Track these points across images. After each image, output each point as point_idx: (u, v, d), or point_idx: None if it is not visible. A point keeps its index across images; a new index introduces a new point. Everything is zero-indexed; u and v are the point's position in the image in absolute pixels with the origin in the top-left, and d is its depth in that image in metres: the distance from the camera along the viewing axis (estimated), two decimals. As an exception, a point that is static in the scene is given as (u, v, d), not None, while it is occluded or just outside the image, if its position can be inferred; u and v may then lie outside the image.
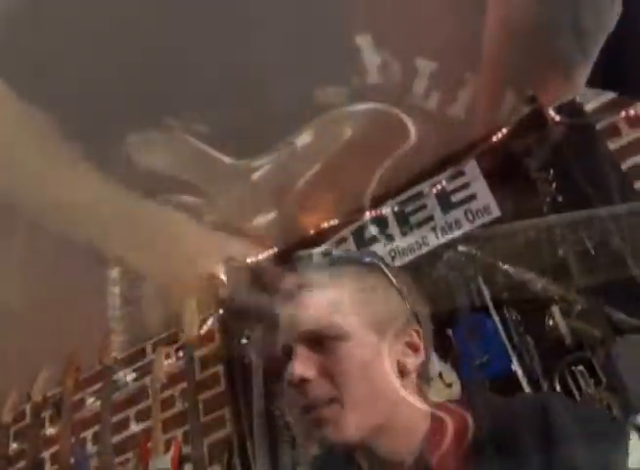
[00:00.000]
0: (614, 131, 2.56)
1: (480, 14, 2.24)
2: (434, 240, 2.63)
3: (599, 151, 2.43)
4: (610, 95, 2.61)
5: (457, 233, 2.60)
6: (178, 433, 2.89)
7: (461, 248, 2.32)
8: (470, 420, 0.90)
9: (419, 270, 2.51)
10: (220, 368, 2.94)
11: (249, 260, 2.86)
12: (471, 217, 2.61)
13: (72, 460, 2.84)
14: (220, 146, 2.36)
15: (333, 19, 2.14)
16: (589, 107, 2.64)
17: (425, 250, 2.63)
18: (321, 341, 0.93)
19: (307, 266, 1.01)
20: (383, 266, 1.01)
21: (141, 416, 3.07)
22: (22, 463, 3.07)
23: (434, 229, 2.66)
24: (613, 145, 2.53)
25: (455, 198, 2.67)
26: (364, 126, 2.48)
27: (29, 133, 2.29)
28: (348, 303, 0.96)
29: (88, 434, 3.13)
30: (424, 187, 2.73)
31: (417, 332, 0.99)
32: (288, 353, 0.95)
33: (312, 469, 1.12)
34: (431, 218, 2.68)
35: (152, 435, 2.83)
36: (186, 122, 2.27)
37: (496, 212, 2.56)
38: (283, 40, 2.12)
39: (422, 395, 0.98)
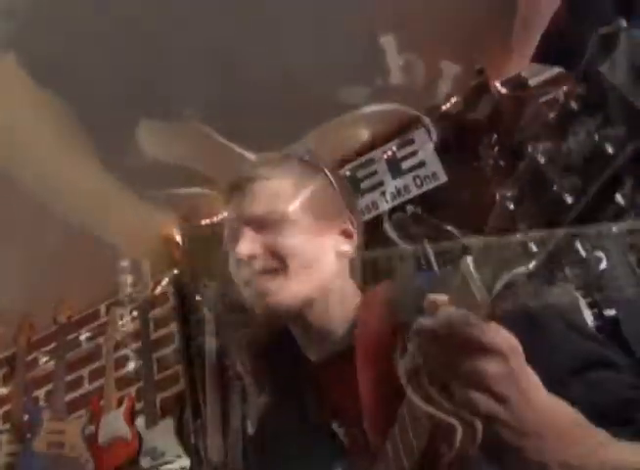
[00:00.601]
0: (555, 104, 2.69)
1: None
2: (384, 205, 2.74)
3: (540, 119, 2.55)
4: (553, 71, 2.75)
5: (405, 198, 2.71)
6: (132, 390, 2.94)
7: (409, 208, 2.43)
8: (392, 295, 1.01)
9: (368, 233, 2.62)
10: (174, 327, 2.99)
11: (203, 222, 2.92)
12: (419, 183, 2.72)
13: (26, 417, 2.88)
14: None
15: None
16: (533, 81, 2.77)
17: (374, 214, 2.73)
18: (265, 224, 1.04)
19: (256, 165, 1.11)
20: (322, 165, 1.12)
21: (95, 376, 3.11)
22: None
23: (383, 194, 2.76)
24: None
25: (405, 165, 2.78)
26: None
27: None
28: (290, 192, 1.07)
29: (41, 393, 3.15)
30: (375, 154, 2.83)
31: (351, 221, 1.11)
32: (236, 238, 1.04)
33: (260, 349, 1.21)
34: (381, 184, 2.79)
35: (104, 392, 2.90)
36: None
37: (443, 178, 2.67)
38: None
39: (354, 276, 1.10)
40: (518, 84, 2.71)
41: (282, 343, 1.11)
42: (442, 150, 2.71)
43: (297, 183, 1.09)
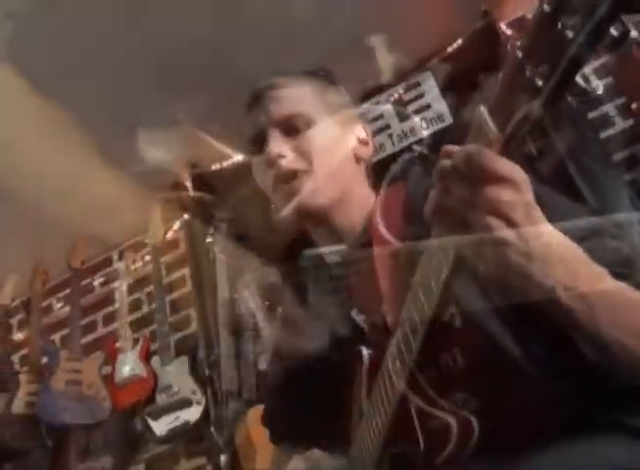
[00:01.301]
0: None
1: None
2: (391, 147, 2.78)
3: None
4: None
5: (412, 140, 2.74)
6: (146, 332, 3.02)
7: (415, 147, 2.48)
8: (406, 191, 1.07)
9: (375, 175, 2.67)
10: (186, 271, 3.06)
11: (213, 167, 2.97)
12: (425, 125, 2.75)
13: (44, 360, 2.96)
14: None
15: None
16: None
17: (382, 156, 2.77)
18: (291, 127, 1.10)
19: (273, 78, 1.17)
20: (335, 79, 1.18)
21: (108, 320, 3.19)
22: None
23: (390, 137, 2.80)
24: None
25: (411, 107, 2.81)
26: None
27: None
28: (310, 98, 1.13)
29: (56, 337, 3.24)
30: (381, 98, 2.87)
31: (365, 130, 1.19)
32: (262, 143, 1.10)
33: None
34: (387, 127, 2.83)
35: (119, 334, 2.98)
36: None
37: (449, 120, 2.71)
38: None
39: (370, 179, 1.18)
40: (523, 26, 2.73)
41: (299, 250, 1.16)
42: (448, 92, 2.74)
43: (316, 91, 1.15)
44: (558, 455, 0.73)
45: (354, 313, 1.06)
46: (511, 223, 0.69)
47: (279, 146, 1.08)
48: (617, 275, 0.75)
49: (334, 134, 1.11)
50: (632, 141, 2.52)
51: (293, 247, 1.22)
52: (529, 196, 0.70)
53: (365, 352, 0.97)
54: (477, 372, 0.85)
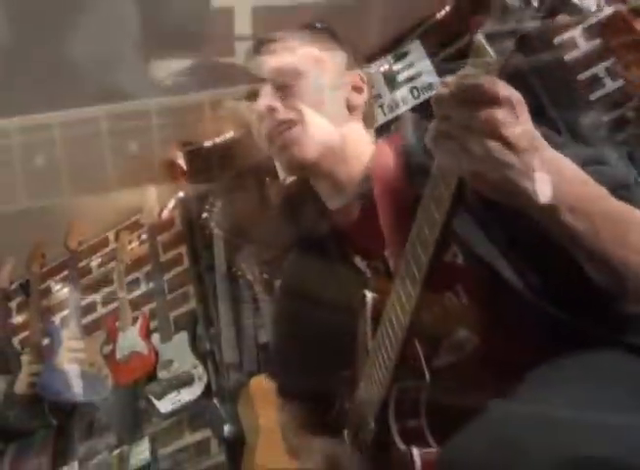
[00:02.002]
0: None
1: None
2: (382, 117, 2.79)
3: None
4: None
5: (403, 109, 2.76)
6: (145, 310, 3.03)
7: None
8: (401, 138, 1.10)
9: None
10: (182, 249, 3.07)
11: (205, 144, 2.97)
12: (416, 94, 2.76)
13: (45, 341, 2.98)
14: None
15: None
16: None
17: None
18: (282, 80, 1.11)
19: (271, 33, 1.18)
20: (333, 31, 1.19)
21: (107, 300, 3.20)
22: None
23: (381, 107, 2.81)
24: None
25: (401, 77, 2.82)
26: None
27: None
28: (305, 48, 1.15)
29: (56, 319, 3.25)
30: (371, 68, 2.87)
31: (361, 77, 1.18)
32: (254, 96, 1.12)
33: (283, 209, 1.29)
34: (378, 97, 2.83)
35: (119, 312, 2.99)
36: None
37: (440, 88, 2.71)
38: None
39: (366, 127, 1.18)
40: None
41: (305, 197, 1.19)
42: (438, 60, 2.75)
43: (311, 41, 1.16)
44: (561, 377, 0.75)
45: (357, 261, 1.08)
46: (510, 144, 0.70)
47: (270, 99, 1.10)
48: (618, 197, 0.76)
49: (323, 84, 1.12)
50: (622, 101, 2.54)
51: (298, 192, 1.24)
52: (526, 116, 0.71)
53: (369, 295, 0.98)
54: (478, 308, 0.87)
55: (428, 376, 0.84)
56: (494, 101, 0.69)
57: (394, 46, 2.85)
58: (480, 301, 0.88)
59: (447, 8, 2.71)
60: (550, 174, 0.71)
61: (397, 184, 1.03)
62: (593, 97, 2.58)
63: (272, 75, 1.12)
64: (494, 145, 0.69)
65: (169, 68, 2.57)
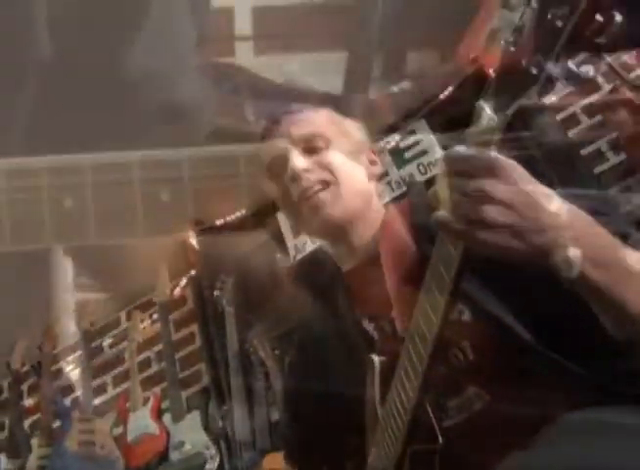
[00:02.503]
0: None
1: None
2: (390, 193, 2.84)
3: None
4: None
5: (411, 185, 2.82)
6: (156, 390, 3.01)
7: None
8: (409, 204, 1.14)
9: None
10: (194, 327, 3.08)
11: (217, 222, 3.02)
12: (423, 170, 2.82)
13: (55, 424, 2.96)
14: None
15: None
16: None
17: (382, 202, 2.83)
18: (311, 146, 1.16)
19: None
20: (345, 111, 1.25)
21: (118, 381, 3.19)
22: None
23: (389, 183, 2.87)
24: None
25: (408, 154, 2.89)
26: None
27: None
28: (326, 121, 1.21)
29: (67, 401, 3.23)
30: (379, 146, 2.95)
31: (374, 152, 1.25)
32: (282, 165, 1.16)
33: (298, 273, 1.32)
34: (386, 174, 2.89)
35: (130, 393, 2.98)
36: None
37: (446, 165, 2.78)
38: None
39: (380, 196, 1.24)
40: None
41: (319, 260, 1.22)
42: (444, 136, 2.83)
43: (330, 117, 1.23)
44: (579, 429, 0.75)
45: (365, 324, 1.09)
46: (507, 205, 0.71)
47: (303, 161, 1.14)
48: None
49: (348, 153, 1.17)
50: (625, 175, 2.59)
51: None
52: (523, 176, 0.73)
53: (376, 359, 0.99)
54: (487, 364, 0.88)
55: (440, 438, 0.84)
56: (490, 171, 0.71)
57: (400, 125, 2.94)
58: (488, 356, 0.89)
59: (450, 88, 2.80)
60: (565, 229, 0.72)
61: (404, 246, 1.06)
62: (597, 171, 2.64)
63: (302, 140, 1.16)
64: (490, 209, 0.70)
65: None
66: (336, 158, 1.15)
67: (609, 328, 0.77)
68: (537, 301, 0.84)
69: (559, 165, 2.49)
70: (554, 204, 0.73)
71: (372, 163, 1.23)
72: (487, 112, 0.72)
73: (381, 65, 3.06)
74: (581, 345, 0.82)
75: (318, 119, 1.20)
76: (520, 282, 0.84)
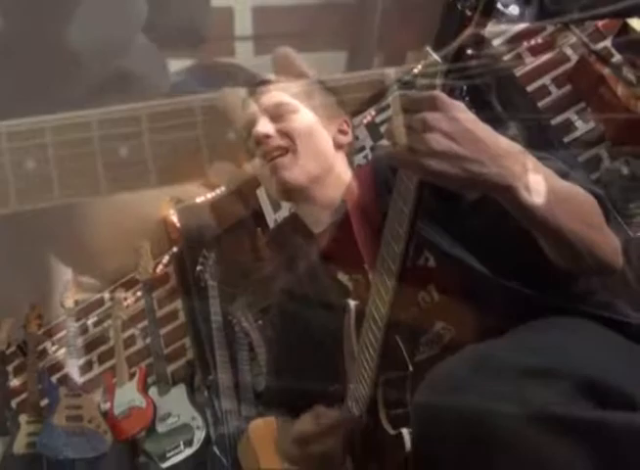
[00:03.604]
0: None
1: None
2: (366, 166, 2.90)
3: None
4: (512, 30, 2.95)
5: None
6: (142, 365, 3.06)
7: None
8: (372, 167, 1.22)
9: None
10: (178, 304, 3.14)
11: (198, 200, 3.07)
12: (398, 144, 2.88)
13: (43, 402, 3.00)
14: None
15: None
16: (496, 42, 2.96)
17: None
18: (278, 113, 1.23)
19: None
20: (320, 81, 1.32)
21: (104, 358, 3.24)
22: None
23: (365, 157, 2.92)
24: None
25: (384, 128, 2.94)
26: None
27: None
28: (298, 91, 1.27)
29: (53, 379, 3.27)
30: (355, 121, 3.00)
31: (346, 122, 1.31)
32: (251, 126, 1.23)
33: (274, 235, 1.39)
34: (363, 148, 2.95)
35: (116, 369, 3.03)
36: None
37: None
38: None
39: (348, 163, 1.30)
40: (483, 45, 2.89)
41: (292, 226, 1.28)
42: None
43: (303, 86, 1.29)
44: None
45: (340, 276, 1.17)
46: (447, 134, 0.78)
47: (266, 127, 1.21)
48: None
49: (315, 121, 1.24)
50: (594, 142, 2.67)
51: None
52: (460, 110, 0.79)
53: (351, 303, 1.07)
54: (451, 301, 0.95)
55: (410, 367, 0.91)
56: (432, 106, 0.78)
57: (376, 99, 2.99)
58: (451, 294, 0.97)
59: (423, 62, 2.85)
60: (494, 156, 0.79)
61: (370, 203, 1.13)
62: (567, 139, 2.72)
63: (270, 108, 1.24)
64: (432, 137, 0.77)
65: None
66: (298, 124, 1.22)
67: (551, 255, 0.86)
68: (491, 238, 0.92)
69: (531, 135, 2.56)
70: (492, 137, 0.81)
71: (341, 132, 1.29)
72: (433, 55, 0.78)
73: (381, 65, 3.11)
74: (530, 272, 0.90)
75: (290, 88, 1.27)
76: (475, 222, 0.92)
